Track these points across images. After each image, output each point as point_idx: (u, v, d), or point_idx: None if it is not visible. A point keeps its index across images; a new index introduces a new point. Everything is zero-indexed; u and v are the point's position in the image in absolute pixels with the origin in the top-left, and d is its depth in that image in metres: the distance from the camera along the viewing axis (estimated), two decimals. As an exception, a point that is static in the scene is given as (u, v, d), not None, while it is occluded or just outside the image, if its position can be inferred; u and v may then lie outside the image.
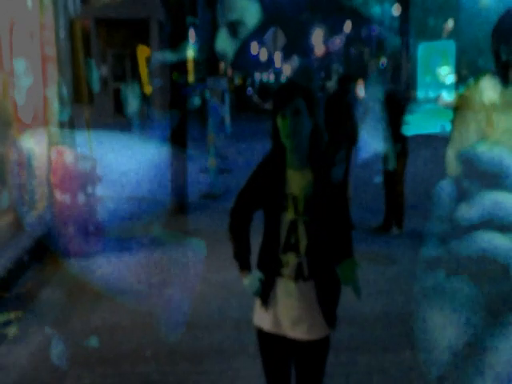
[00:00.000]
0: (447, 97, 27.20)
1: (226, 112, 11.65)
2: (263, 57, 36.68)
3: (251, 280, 2.64)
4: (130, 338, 4.59)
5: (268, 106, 27.66)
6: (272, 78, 33.45)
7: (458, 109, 2.51)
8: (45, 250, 6.32)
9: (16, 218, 5.94)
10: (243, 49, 33.05)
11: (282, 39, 28.15)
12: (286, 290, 2.57)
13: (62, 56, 7.14)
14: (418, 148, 11.04)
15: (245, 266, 2.69)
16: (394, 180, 7.22)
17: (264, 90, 29.53)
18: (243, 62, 32.56)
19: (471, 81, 2.62)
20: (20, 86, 6.07)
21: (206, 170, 10.37)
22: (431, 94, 30.24)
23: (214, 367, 4.12)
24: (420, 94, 31.31)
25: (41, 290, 5.54)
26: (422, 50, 31.94)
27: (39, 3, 6.67)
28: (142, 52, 25.03)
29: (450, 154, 2.46)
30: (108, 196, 7.20)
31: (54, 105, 6.93)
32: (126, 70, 25.15)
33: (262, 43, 33.81)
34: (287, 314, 2.58)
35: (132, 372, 4.11)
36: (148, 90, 26.43)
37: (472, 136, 2.36)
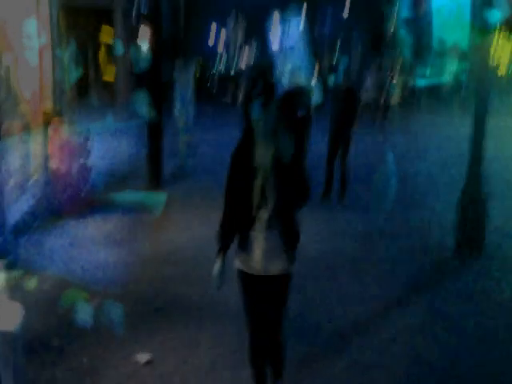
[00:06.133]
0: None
1: (190, 102, 12.34)
2: (222, 47, 37.48)
3: (218, 269, 3.40)
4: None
5: (227, 98, 28.63)
6: (231, 69, 34.32)
7: None
8: (42, 210, 7.34)
9: (20, 183, 6.92)
10: (203, 36, 33.66)
11: (242, 32, 29.28)
12: (259, 239, 3.29)
13: (54, 44, 8.15)
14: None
15: (221, 253, 3.41)
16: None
17: (223, 83, 30.43)
18: (203, 49, 33.21)
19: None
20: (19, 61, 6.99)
21: (174, 154, 11.41)
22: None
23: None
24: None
25: (46, 238, 6.62)
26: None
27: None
28: (105, 36, 25.73)
29: None
30: (95, 167, 8.22)
31: (49, 85, 7.92)
32: (88, 57, 25.81)
33: (222, 32, 34.62)
34: (260, 257, 3.31)
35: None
36: (109, 76, 27.22)
37: None
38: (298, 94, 8.60)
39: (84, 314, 4.39)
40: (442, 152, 13.33)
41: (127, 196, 7.58)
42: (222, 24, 34.30)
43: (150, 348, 4.35)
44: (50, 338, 4.46)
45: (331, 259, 6.38)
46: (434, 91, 25.68)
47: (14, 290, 4.97)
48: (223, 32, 33.24)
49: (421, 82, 26.02)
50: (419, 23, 30.14)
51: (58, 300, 4.94)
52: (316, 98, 9.11)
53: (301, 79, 9.38)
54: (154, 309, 5.04)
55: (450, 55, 28.36)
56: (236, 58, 34.55)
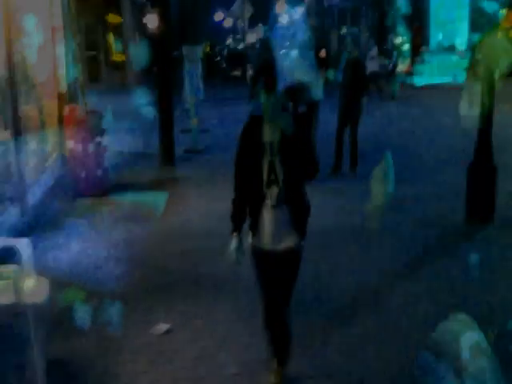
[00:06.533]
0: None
1: (199, 78, 12.50)
2: (230, 24, 37.39)
3: (235, 246, 3.45)
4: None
5: (236, 73, 28.72)
6: (239, 45, 34.26)
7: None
8: (61, 189, 7.52)
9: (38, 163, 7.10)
10: (211, 16, 33.68)
11: (249, 8, 29.12)
12: (269, 215, 3.37)
13: (66, 27, 8.27)
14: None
15: (236, 231, 3.48)
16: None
17: (232, 58, 30.47)
18: (211, 29, 33.22)
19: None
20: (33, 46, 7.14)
21: (185, 131, 11.59)
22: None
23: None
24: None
25: (66, 217, 6.82)
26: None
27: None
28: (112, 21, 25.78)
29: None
30: (111, 147, 8.37)
31: (64, 66, 8.07)
32: (97, 39, 25.84)
33: (228, 11, 34.52)
34: (271, 232, 3.40)
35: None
36: (118, 57, 27.30)
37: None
38: (298, 90, 8.65)
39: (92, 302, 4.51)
40: (450, 123, 13.32)
41: (129, 197, 7.70)
42: (230, 1, 34.12)
43: (167, 319, 4.49)
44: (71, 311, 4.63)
45: (341, 231, 6.47)
46: (433, 88, 25.56)
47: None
48: (231, 8, 33.06)
49: (419, 81, 25.68)
50: (418, 20, 29.81)
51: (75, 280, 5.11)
52: (316, 93, 9.13)
53: (302, 74, 9.37)
54: (168, 283, 5.16)
55: (449, 53, 28.04)
56: (244, 34, 34.41)
